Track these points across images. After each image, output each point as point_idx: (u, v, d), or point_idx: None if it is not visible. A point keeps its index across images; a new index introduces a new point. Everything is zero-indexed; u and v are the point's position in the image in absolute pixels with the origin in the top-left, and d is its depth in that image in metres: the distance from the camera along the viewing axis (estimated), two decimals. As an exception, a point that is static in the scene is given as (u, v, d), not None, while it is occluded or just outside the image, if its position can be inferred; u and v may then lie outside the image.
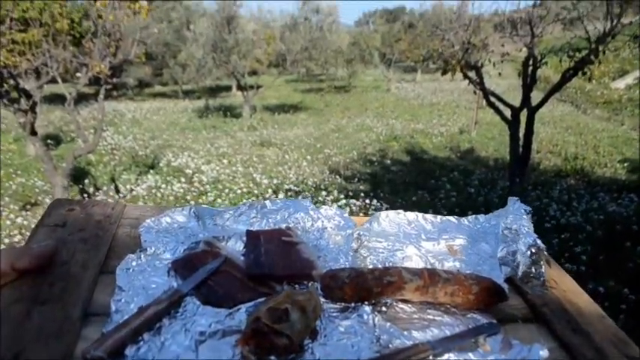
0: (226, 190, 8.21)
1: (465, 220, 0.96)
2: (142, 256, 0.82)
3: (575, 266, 5.70)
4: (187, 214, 0.95)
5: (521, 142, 7.78)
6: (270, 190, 8.18)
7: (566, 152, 11.66)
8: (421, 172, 10.04)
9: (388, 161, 10.89)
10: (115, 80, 7.82)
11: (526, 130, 7.70)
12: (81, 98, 16.03)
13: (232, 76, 18.50)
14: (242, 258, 0.85)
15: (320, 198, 7.81)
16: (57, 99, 16.17)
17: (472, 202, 7.94)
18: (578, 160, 10.98)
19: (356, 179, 9.43)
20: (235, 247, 0.89)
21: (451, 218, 0.96)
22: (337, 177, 9.53)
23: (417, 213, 0.97)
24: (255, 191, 8.22)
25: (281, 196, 7.87)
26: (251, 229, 0.93)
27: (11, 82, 7.22)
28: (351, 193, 8.18)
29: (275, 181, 8.83)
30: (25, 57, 7.05)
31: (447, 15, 9.18)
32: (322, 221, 0.97)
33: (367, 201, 7.70)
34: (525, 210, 0.92)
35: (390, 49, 25.76)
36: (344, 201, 7.65)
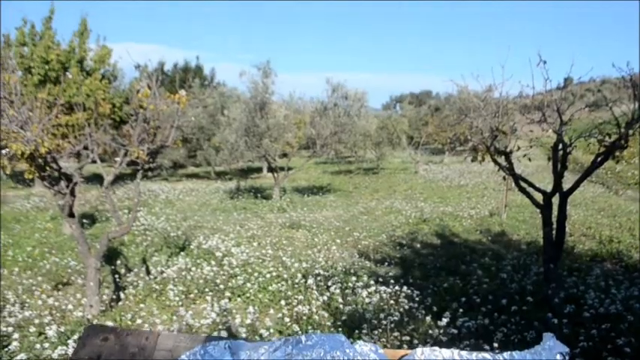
0: (255, 274, 8.17)
1: (500, 357, 0.94)
2: (178, 399, 0.83)
3: (618, 360, 5.38)
4: (222, 348, 0.95)
5: (554, 227, 7.62)
6: (299, 275, 8.10)
7: (601, 235, 11.35)
8: (452, 256, 9.86)
9: (418, 245, 10.76)
10: (152, 164, 8.08)
11: (559, 214, 7.56)
12: (117, 178, 16.60)
13: (264, 158, 19.00)
14: (276, 402, 0.85)
15: (350, 284, 7.69)
16: (94, 178, 16.80)
17: (505, 289, 7.68)
18: (614, 244, 10.64)
19: (386, 263, 9.30)
20: (270, 388, 0.88)
21: (486, 355, 0.94)
22: (367, 261, 9.42)
23: (452, 350, 0.95)
24: (285, 275, 8.15)
25: (310, 280, 7.78)
26: (285, 366, 0.93)
27: (53, 165, 7.55)
28: (381, 279, 8.03)
29: (304, 265, 8.76)
30: (67, 140, 7.37)
31: (473, 100, 9.34)
32: None
33: (397, 288, 7.52)
34: (562, 353, 0.89)
35: (418, 132, 26.27)
36: (374, 287, 7.50)
